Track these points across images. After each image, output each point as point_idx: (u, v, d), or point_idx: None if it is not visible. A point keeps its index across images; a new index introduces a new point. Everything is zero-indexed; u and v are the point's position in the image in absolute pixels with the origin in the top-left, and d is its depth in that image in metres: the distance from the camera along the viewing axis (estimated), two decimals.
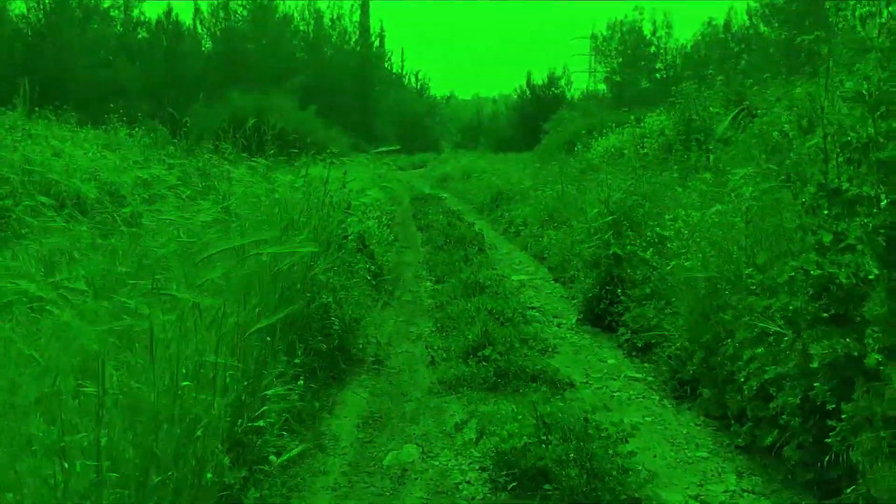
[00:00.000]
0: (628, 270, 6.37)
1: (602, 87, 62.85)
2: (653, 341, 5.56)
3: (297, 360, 4.15)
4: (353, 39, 60.55)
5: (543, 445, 3.52)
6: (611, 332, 6.57)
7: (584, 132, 20.05)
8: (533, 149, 36.65)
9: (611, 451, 3.56)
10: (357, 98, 56.10)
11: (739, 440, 4.14)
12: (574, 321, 7.01)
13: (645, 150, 16.40)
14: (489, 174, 23.43)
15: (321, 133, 28.78)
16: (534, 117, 49.70)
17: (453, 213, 16.25)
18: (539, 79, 55.35)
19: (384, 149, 6.24)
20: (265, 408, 3.29)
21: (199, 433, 2.46)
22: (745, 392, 4.00)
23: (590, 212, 7.63)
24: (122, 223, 6.01)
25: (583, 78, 69.50)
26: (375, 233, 8.64)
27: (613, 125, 18.69)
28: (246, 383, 3.21)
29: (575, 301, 7.51)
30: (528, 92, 55.54)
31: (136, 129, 15.18)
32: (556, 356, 5.88)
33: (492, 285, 7.75)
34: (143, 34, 52.78)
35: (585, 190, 12.04)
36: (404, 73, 71.69)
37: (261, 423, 3.16)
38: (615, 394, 5.08)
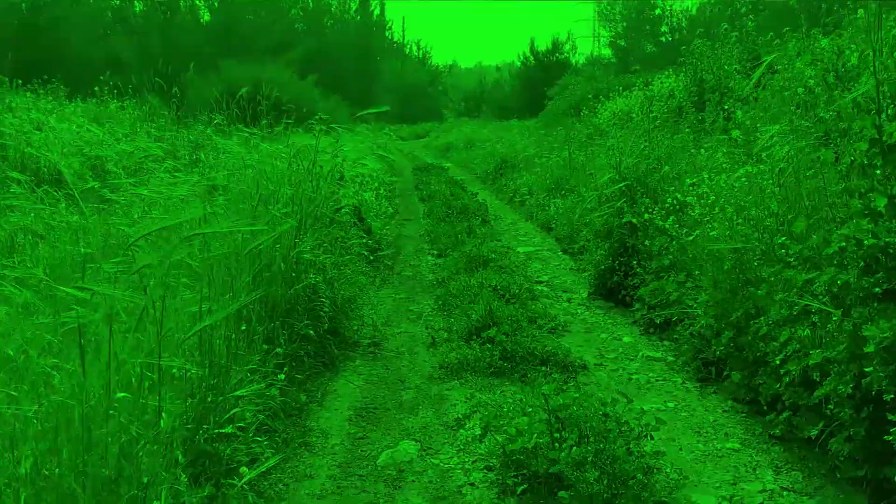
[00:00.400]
0: (645, 242, 5.90)
1: (607, 52, 61.76)
2: (673, 318, 5.11)
3: (279, 350, 3.71)
4: (353, 8, 59.50)
5: (557, 445, 3.09)
6: (625, 307, 6.12)
7: (590, 97, 19.42)
8: (537, 116, 36.04)
9: (634, 450, 3.12)
10: (358, 68, 55.20)
11: (776, 430, 3.69)
12: (585, 296, 6.56)
13: (654, 114, 15.85)
14: (493, 142, 22.87)
15: (320, 103, 28.13)
16: (538, 84, 48.82)
17: (456, 183, 15.74)
18: (543, 45, 54.51)
19: (373, 111, 5.63)
20: (236, 410, 2.86)
21: (140, 451, 2.03)
22: (783, 377, 3.55)
23: (599, 178, 7.14)
24: (99, 200, 5.57)
25: (587, 43, 68.28)
26: (373, 205, 8.18)
27: (620, 89, 18.07)
28: (212, 382, 2.78)
29: (586, 274, 7.05)
30: (531, 59, 54.63)
31: (128, 101, 14.65)
32: (566, 335, 5.44)
33: (496, 258, 7.29)
34: (139, 6, 51.86)
35: (594, 155, 11.55)
36: (405, 42, 70.74)
37: (228, 428, 2.72)
38: (633, 376, 4.64)
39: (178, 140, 11.00)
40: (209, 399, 2.70)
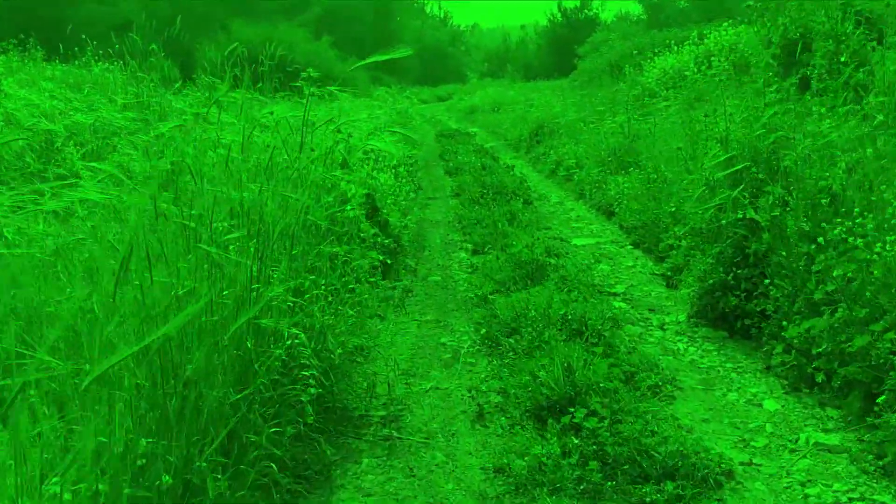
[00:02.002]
0: (782, 253, 4.06)
1: (637, 8, 59.02)
2: (853, 378, 3.30)
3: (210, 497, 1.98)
4: None
5: None
6: (744, 337, 4.33)
7: (635, 52, 17.34)
8: (567, 76, 33.77)
9: None
10: (376, 29, 53.01)
11: None
12: (683, 318, 4.75)
13: (713, 71, 13.80)
14: (522, 105, 20.91)
15: (336, 66, 26.19)
16: (565, 42, 46.71)
17: (486, 152, 13.87)
18: (570, 2, 51.98)
19: (384, 56, 3.79)
20: None
21: None
22: None
23: (701, 155, 5.29)
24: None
25: (614, 1, 64.92)
26: (392, 189, 6.38)
27: (672, 42, 15.98)
28: None
29: (683, 291, 5.22)
30: (558, 16, 52.18)
31: (113, 64, 12.88)
32: (678, 396, 3.65)
33: (553, 261, 5.50)
34: None
35: (658, 121, 9.63)
36: (426, 1, 68.19)
37: None
38: (807, 489, 2.86)
39: (159, 107, 9.26)
40: None
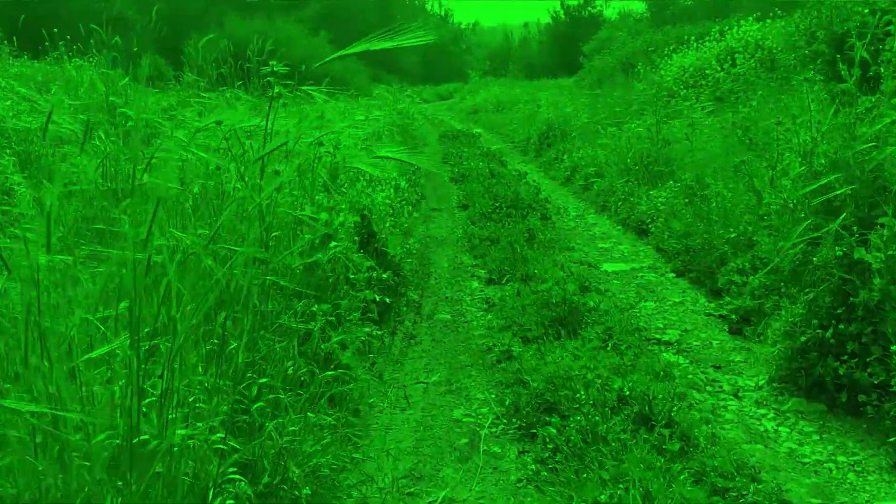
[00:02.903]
0: None
1: (640, 6, 57.89)
2: None
3: None
4: None
5: None
6: (852, 415, 3.31)
7: (650, 49, 16.32)
8: (571, 74, 32.72)
9: None
10: (377, 27, 51.95)
11: None
12: (763, 381, 3.73)
13: (738, 69, 12.78)
14: (527, 104, 19.87)
15: (335, 63, 25.17)
16: (569, 40, 45.81)
17: (493, 155, 12.84)
18: (574, 0, 50.96)
19: (373, 46, 2.73)
20: None
21: None
22: None
23: (784, 168, 4.27)
24: None
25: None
26: (393, 204, 5.36)
27: (693, 39, 14.95)
28: None
29: (757, 342, 4.20)
30: (561, 13, 51.13)
31: (88, 60, 11.85)
32: None
33: (590, 301, 4.48)
34: None
35: (690, 125, 8.61)
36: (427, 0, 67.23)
37: None
38: None
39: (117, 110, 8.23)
40: None
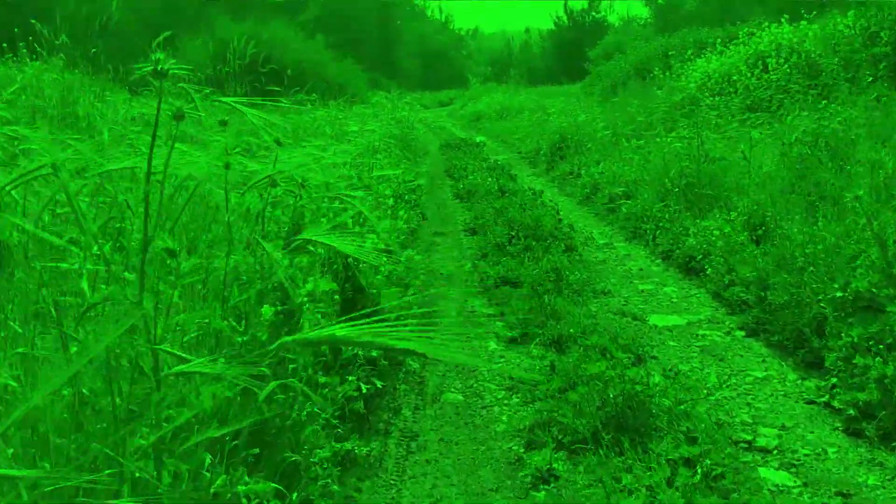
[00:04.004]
0: None
1: (643, 11, 56.94)
2: None
3: None
4: None
5: None
6: None
7: (671, 53, 15.17)
8: (574, 81, 31.66)
9: None
10: (377, 32, 50.96)
11: None
12: None
13: (769, 75, 11.63)
14: (533, 112, 18.72)
15: (331, 67, 24.00)
16: (572, 46, 45.03)
17: (501, 168, 11.66)
18: (577, 4, 50.05)
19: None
20: None
21: None
22: None
23: (850, 198, 3.10)
24: None
25: (619, 5, 62.36)
26: (385, 249, 4.16)
27: (718, 42, 13.81)
28: None
29: (875, 442, 3.03)
30: (564, 18, 50.14)
31: (57, 60, 10.69)
32: None
33: (655, 397, 3.29)
34: None
35: (734, 140, 7.46)
36: (427, 5, 66.36)
37: None
38: None
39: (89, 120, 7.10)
40: None
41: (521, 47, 58.84)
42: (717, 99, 11.46)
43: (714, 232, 5.38)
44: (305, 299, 2.47)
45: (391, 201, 5.26)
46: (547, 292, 4.83)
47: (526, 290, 4.94)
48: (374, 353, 3.20)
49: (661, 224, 6.42)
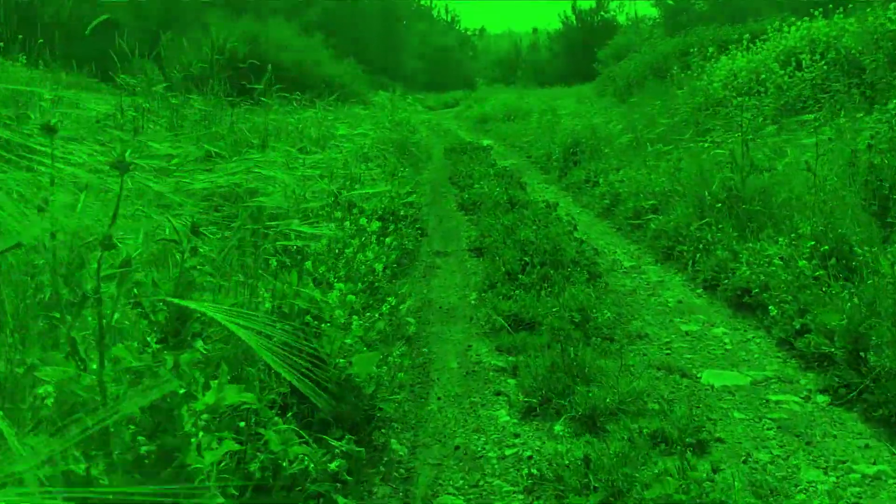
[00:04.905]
0: None
1: (653, 11, 55.91)
2: None
3: None
4: None
5: None
6: None
7: (692, 50, 14.14)
8: (584, 81, 30.63)
9: None
10: (381, 31, 50.06)
11: None
12: None
13: (804, 73, 10.61)
14: (542, 114, 17.65)
15: (330, 67, 23.03)
16: (580, 46, 44.19)
17: (510, 175, 10.63)
18: (586, 4, 49.08)
19: None
20: None
21: None
22: None
23: None
24: None
25: (626, 6, 61.42)
26: (359, 300, 3.20)
27: (746, 39, 12.79)
28: None
29: None
30: (573, 18, 49.09)
31: (44, 59, 9.79)
32: None
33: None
34: None
35: (782, 146, 6.45)
36: (433, 4, 65.43)
37: None
38: None
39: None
40: None
41: (528, 48, 57.85)
42: (745, 99, 10.44)
43: (775, 260, 4.37)
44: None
45: (375, 226, 4.28)
46: (570, 340, 3.83)
47: (545, 339, 3.95)
48: (332, 467, 2.21)
49: (700, 246, 5.42)
